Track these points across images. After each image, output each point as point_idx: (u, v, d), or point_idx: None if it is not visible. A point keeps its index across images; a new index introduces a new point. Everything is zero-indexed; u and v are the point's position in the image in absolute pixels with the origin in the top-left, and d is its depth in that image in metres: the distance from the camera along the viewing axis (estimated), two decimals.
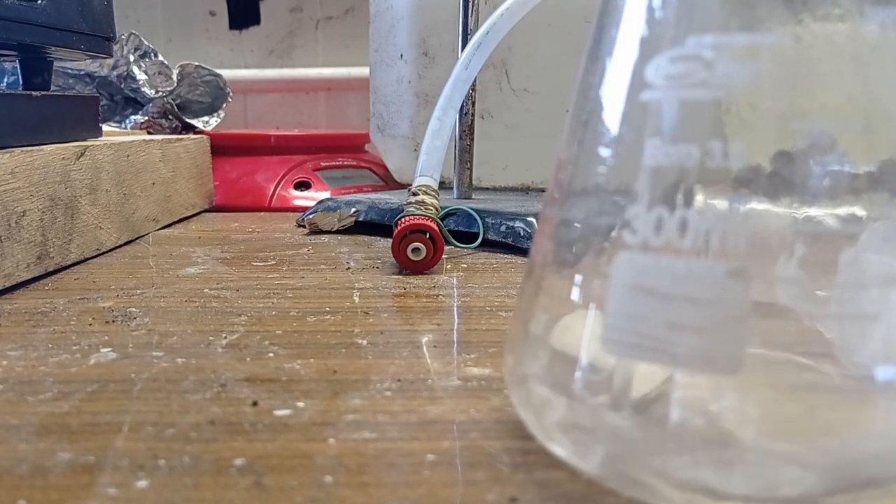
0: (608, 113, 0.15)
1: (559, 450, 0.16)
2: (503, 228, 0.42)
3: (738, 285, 0.14)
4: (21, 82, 0.41)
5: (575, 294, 0.16)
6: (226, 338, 0.26)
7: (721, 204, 0.14)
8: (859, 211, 0.15)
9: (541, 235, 0.17)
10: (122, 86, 0.67)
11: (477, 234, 0.42)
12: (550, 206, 0.17)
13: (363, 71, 0.74)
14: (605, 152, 0.15)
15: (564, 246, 0.16)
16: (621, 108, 0.15)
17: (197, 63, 0.70)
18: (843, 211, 0.15)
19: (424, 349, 0.25)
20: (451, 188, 0.50)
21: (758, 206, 0.14)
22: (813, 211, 0.14)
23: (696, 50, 0.14)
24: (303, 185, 0.66)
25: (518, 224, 0.42)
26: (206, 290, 0.32)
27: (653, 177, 0.14)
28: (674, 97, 0.14)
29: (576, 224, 0.16)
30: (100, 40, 0.43)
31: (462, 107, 0.47)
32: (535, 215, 0.42)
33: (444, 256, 0.39)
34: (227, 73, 0.73)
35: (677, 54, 0.14)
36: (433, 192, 0.40)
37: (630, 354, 0.14)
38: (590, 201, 0.16)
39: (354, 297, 0.31)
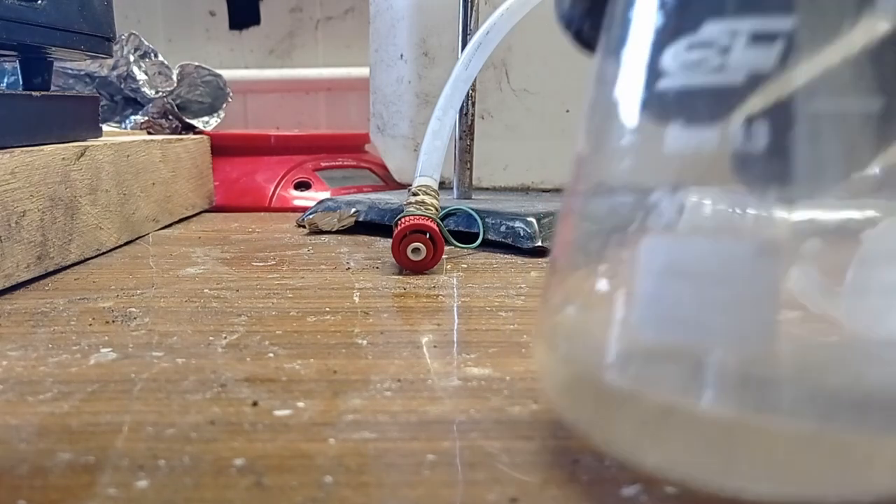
0: (626, 103, 0.16)
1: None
2: (503, 228, 0.42)
3: (767, 262, 0.14)
4: (21, 82, 0.41)
5: (602, 284, 0.16)
6: (226, 338, 0.26)
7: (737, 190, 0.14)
8: (872, 211, 0.15)
9: (564, 228, 0.17)
10: (122, 86, 0.67)
11: (477, 234, 0.42)
12: (572, 198, 0.17)
13: (363, 71, 0.74)
14: (625, 141, 0.16)
15: (588, 237, 0.17)
16: (640, 97, 0.15)
17: (197, 63, 0.70)
18: (855, 209, 0.15)
19: (424, 349, 0.25)
20: (451, 188, 0.50)
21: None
22: (823, 208, 0.14)
23: (712, 36, 0.14)
24: (303, 186, 0.66)
25: (518, 224, 0.42)
26: (206, 291, 0.32)
27: (674, 163, 0.14)
28: (691, 83, 0.14)
29: (599, 214, 0.16)
30: (100, 40, 0.43)
31: (462, 107, 0.47)
32: (536, 215, 0.42)
33: (444, 256, 0.39)
34: (227, 74, 0.73)
35: (693, 41, 0.14)
36: (433, 192, 0.40)
37: (663, 336, 0.14)
38: (612, 191, 0.16)
39: (354, 297, 0.31)
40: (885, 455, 0.13)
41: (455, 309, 0.30)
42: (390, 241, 0.37)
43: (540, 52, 0.55)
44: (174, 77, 0.68)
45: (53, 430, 0.18)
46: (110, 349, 0.24)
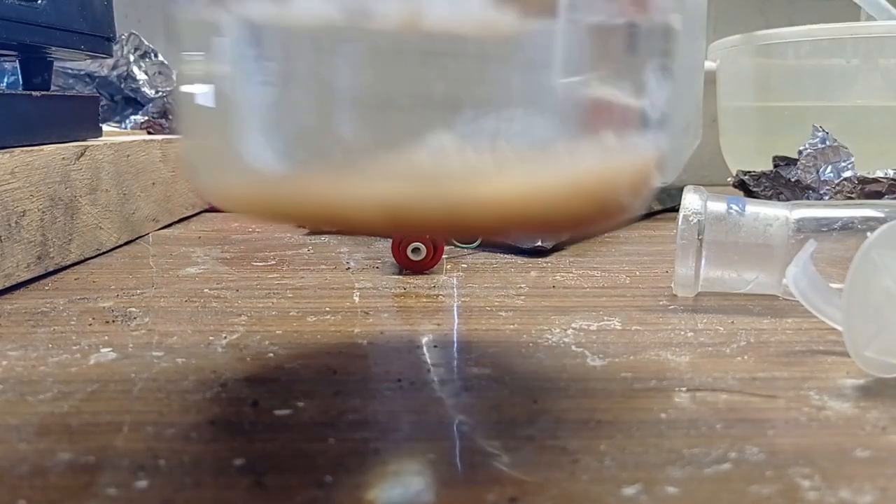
0: None
1: None
2: None
3: None
4: (21, 82, 0.41)
5: None
6: (226, 338, 0.26)
7: None
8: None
9: None
10: (122, 86, 0.67)
11: None
12: None
13: None
14: None
15: None
16: None
17: None
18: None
19: (424, 349, 0.25)
20: None
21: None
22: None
23: None
24: None
25: None
26: (206, 290, 0.32)
27: None
28: None
29: None
30: (100, 40, 0.43)
31: None
32: None
33: (444, 256, 0.39)
34: None
35: None
36: None
37: None
38: None
39: (354, 297, 0.31)
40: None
41: (455, 309, 0.30)
42: (390, 240, 0.37)
43: None
44: (174, 77, 0.68)
45: (53, 429, 0.18)
46: (110, 349, 0.24)
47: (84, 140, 0.42)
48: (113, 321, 0.28)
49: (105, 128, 0.53)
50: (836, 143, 0.47)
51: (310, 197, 0.15)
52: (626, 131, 0.17)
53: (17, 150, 0.33)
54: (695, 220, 0.28)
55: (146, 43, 0.67)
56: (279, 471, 0.16)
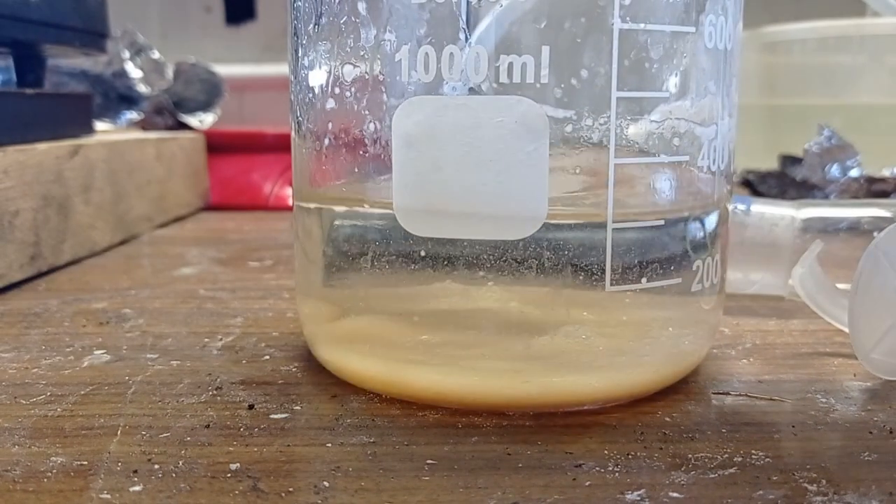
0: None
1: None
2: None
3: None
4: (14, 80, 0.41)
5: None
6: (221, 340, 0.25)
7: None
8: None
9: None
10: (117, 83, 0.66)
11: None
12: None
13: None
14: None
15: None
16: None
17: (193, 60, 0.70)
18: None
19: None
20: None
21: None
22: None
23: None
24: None
25: None
26: (201, 291, 0.32)
27: None
28: None
29: None
30: (94, 37, 0.42)
31: None
32: None
33: None
34: (223, 70, 0.73)
35: None
36: None
37: None
38: None
39: None
40: None
41: None
42: None
43: None
44: (169, 74, 0.68)
45: (46, 433, 0.18)
46: (104, 351, 0.24)
47: (77, 138, 0.41)
48: (107, 322, 0.27)
49: (99, 125, 0.53)
50: (842, 142, 0.47)
51: None
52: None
53: (10, 148, 0.33)
54: None
55: (141, 39, 0.67)
56: (275, 476, 0.16)
